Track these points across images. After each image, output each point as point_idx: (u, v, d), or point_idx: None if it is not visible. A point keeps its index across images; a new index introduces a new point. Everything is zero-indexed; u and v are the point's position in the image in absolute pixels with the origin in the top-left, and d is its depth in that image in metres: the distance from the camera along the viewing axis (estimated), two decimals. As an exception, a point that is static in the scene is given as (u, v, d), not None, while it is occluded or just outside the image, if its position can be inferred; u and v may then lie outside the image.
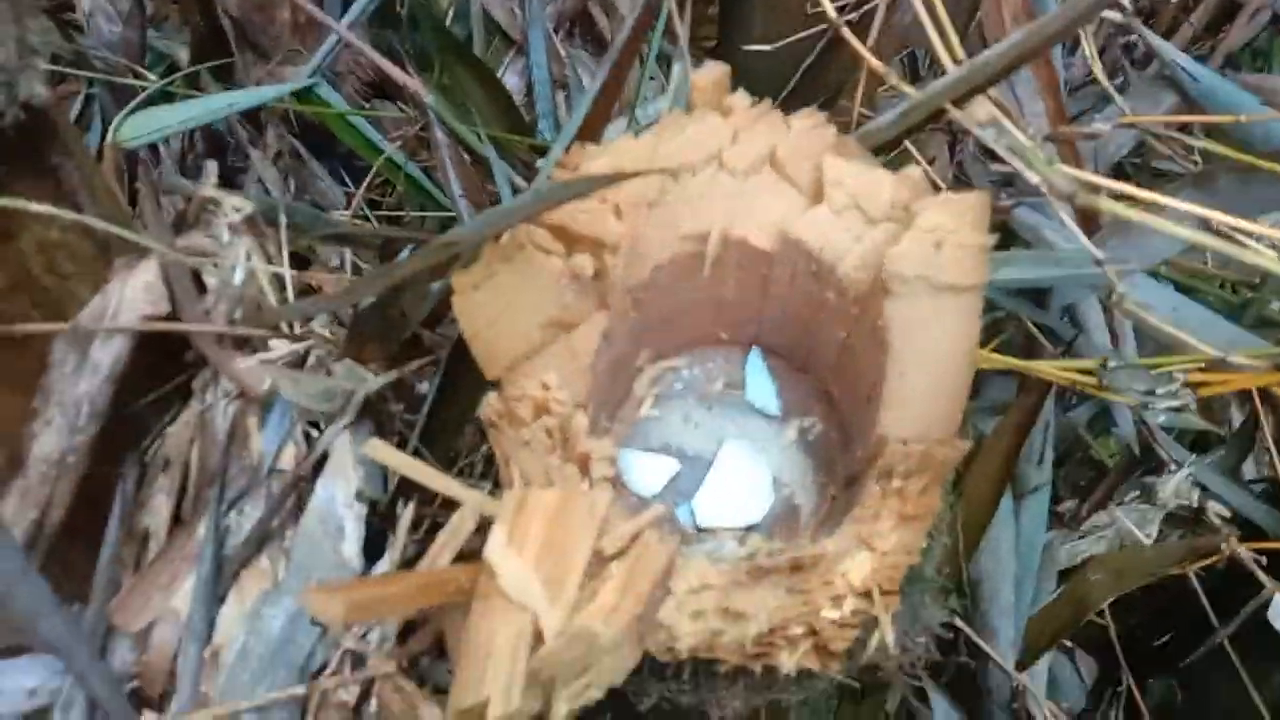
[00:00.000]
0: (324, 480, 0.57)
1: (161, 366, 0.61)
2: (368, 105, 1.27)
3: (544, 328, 0.47)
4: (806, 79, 0.96)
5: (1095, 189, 0.57)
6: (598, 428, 0.53)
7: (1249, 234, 0.51)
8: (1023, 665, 0.76)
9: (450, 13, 1.13)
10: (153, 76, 1.21)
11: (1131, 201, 0.54)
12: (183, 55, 1.26)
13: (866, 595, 0.46)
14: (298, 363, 0.63)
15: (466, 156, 0.96)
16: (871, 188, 0.45)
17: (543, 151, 0.96)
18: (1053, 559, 0.80)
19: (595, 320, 0.48)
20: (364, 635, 0.58)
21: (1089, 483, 0.94)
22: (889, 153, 0.52)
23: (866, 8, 0.99)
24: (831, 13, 0.66)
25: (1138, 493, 0.88)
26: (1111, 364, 0.54)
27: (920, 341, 0.44)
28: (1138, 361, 0.55)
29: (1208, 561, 0.79)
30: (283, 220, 0.64)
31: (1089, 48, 0.60)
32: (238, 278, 0.62)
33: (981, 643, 0.72)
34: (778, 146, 0.47)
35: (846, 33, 0.64)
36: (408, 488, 0.57)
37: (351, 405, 0.55)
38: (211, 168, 0.62)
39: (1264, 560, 0.83)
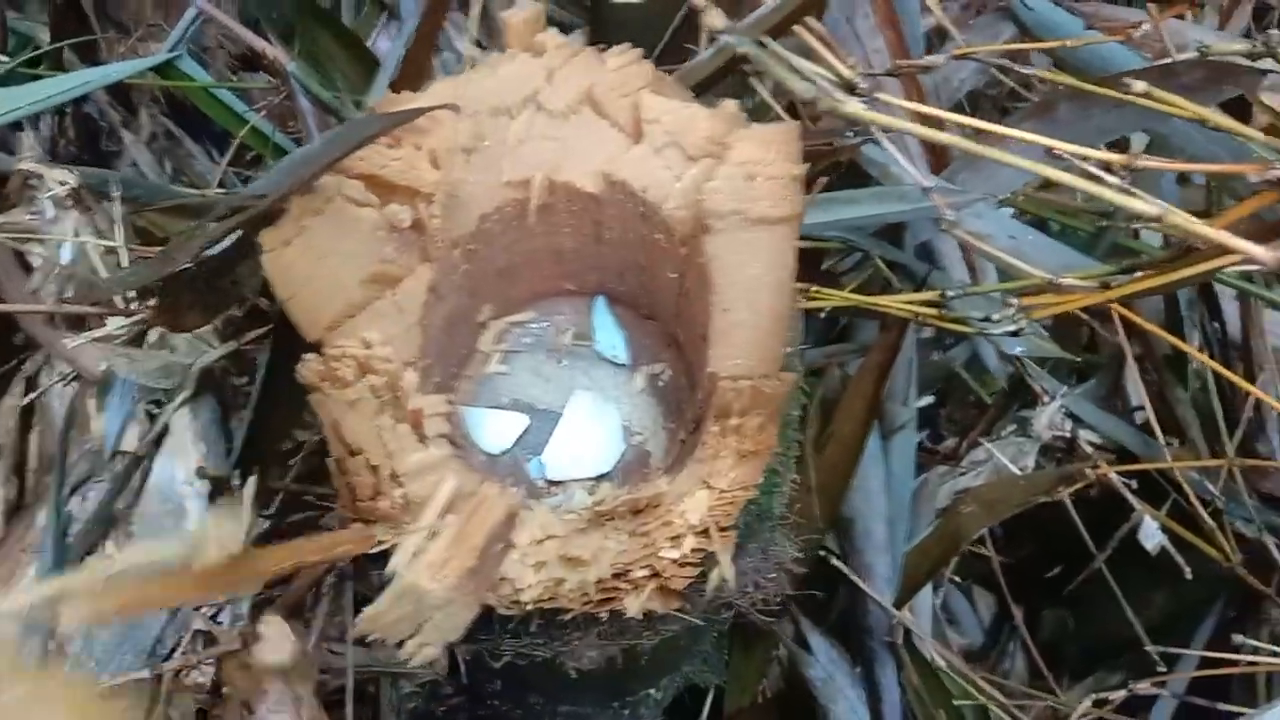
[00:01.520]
0: (162, 459, 0.55)
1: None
2: (236, 78, 1.24)
3: (365, 284, 0.45)
4: (684, 26, 0.95)
5: (937, 123, 0.57)
6: (440, 386, 0.52)
7: (1090, 161, 0.52)
8: (903, 602, 0.77)
9: (308, -20, 1.09)
10: (4, 58, 1.15)
11: (973, 133, 0.55)
12: (46, 36, 1.21)
13: (705, 533, 0.46)
14: (136, 339, 0.61)
15: (334, 123, 0.94)
16: (688, 123, 0.45)
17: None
18: (930, 495, 0.81)
19: (420, 274, 0.47)
20: (214, 616, 0.56)
21: (971, 420, 0.96)
22: (711, 89, 0.51)
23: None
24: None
25: (1015, 427, 0.90)
26: (950, 294, 0.55)
27: (739, 276, 0.44)
28: (972, 289, 0.56)
29: (1077, 487, 0.81)
30: (116, 193, 0.62)
31: (919, -21, 0.60)
32: (65, 255, 0.59)
33: (858, 580, 0.73)
34: (594, 85, 0.46)
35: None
36: (252, 462, 0.55)
37: (189, 379, 0.53)
38: (28, 140, 0.59)
39: (1134, 484, 0.85)
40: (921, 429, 0.94)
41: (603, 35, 1.14)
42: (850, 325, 0.82)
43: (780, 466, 0.54)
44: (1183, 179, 0.79)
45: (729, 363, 0.46)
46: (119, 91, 1.15)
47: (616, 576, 0.46)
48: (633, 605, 0.47)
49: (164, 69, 1.05)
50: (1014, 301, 0.51)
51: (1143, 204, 0.27)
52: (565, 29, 1.26)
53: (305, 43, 1.08)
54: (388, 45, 1.21)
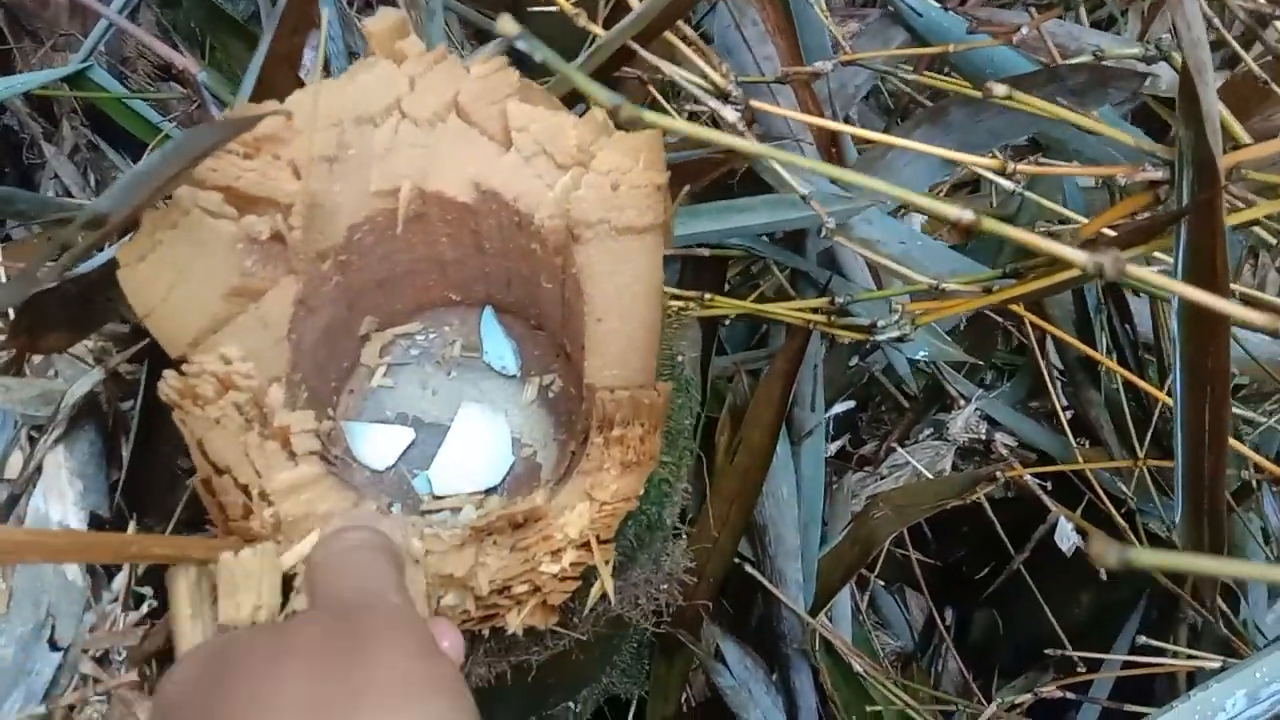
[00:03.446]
0: (38, 496, 0.53)
1: None
2: (155, 89, 1.21)
3: (226, 298, 0.44)
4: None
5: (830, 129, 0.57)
6: (317, 400, 0.50)
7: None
8: (819, 607, 0.76)
9: (221, -9, 1.08)
10: (-95, 70, 1.12)
11: (867, 142, 0.54)
12: (-43, 45, 1.18)
13: (586, 546, 0.45)
14: (15, 361, 0.59)
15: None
16: (556, 131, 0.44)
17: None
18: (845, 502, 0.81)
19: (285, 287, 0.45)
20: (102, 657, 0.54)
21: (890, 424, 0.96)
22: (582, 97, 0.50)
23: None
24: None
25: (931, 430, 0.90)
26: (840, 301, 0.55)
27: (609, 285, 0.43)
28: (862, 295, 0.55)
29: (989, 489, 0.81)
30: (-9, 206, 0.60)
31: (807, -16, 0.60)
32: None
33: (771, 587, 0.72)
34: (460, 93, 0.45)
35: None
36: (135, 498, 0.53)
37: (63, 411, 0.51)
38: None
39: (1049, 486, 0.86)
40: (842, 434, 0.94)
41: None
42: (766, 332, 0.82)
43: (671, 476, 0.54)
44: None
45: (605, 373, 0.46)
46: (40, 103, 1.13)
47: (497, 593, 0.45)
48: (513, 622, 0.46)
49: (76, 79, 1.03)
50: (899, 307, 0.51)
51: (956, 211, 0.26)
52: (488, 36, 1.26)
53: (218, 51, 1.07)
54: (309, 55, 1.20)
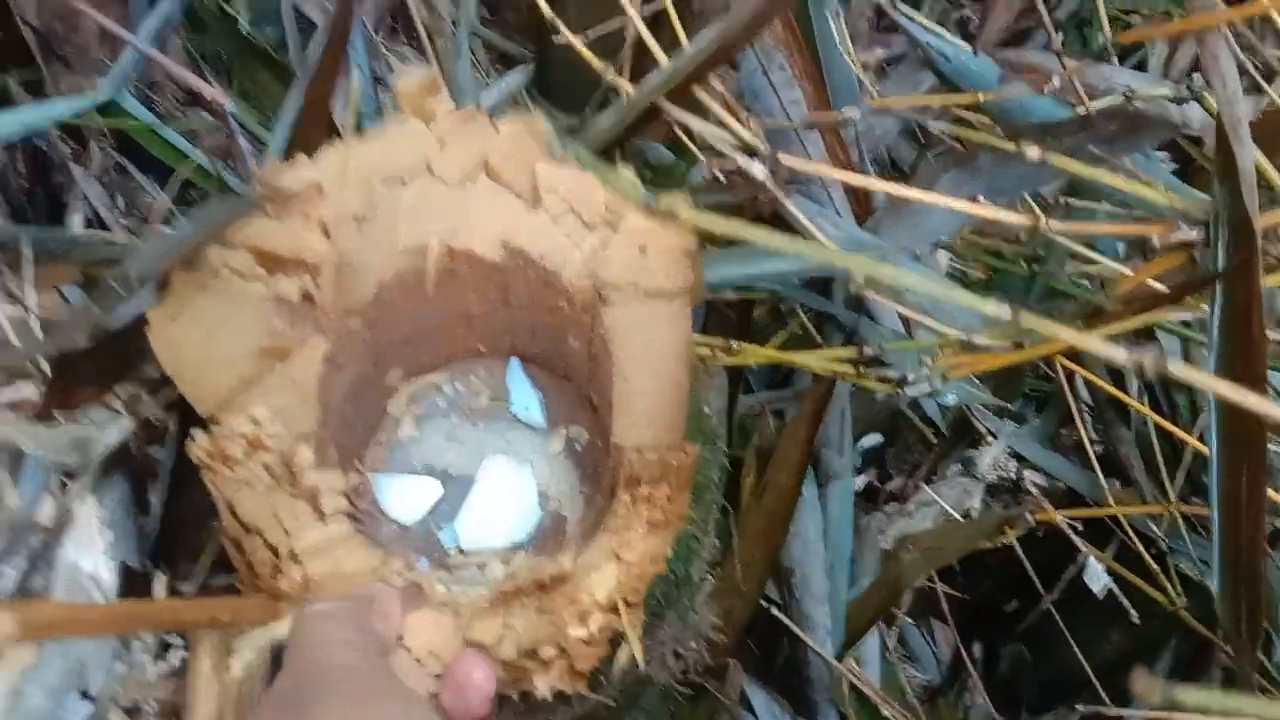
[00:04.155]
0: (68, 546, 0.53)
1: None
2: (184, 115, 1.22)
3: (255, 357, 0.44)
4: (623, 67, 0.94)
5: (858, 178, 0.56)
6: (345, 454, 0.50)
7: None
8: (845, 651, 0.76)
9: (248, 18, 1.08)
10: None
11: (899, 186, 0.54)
12: (-10, 71, 1.20)
13: (614, 609, 0.45)
14: (48, 406, 0.59)
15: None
16: (585, 192, 0.44)
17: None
18: (873, 541, 0.80)
19: (314, 346, 0.45)
20: (132, 709, 0.55)
21: (918, 459, 0.95)
22: (614, 152, 0.51)
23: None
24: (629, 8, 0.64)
25: (960, 467, 0.89)
26: (869, 353, 0.54)
27: (637, 347, 0.43)
28: (893, 344, 0.55)
29: (1020, 532, 0.80)
30: (26, 253, 0.60)
31: (838, 31, 0.59)
32: (-30, 321, 0.58)
33: (798, 631, 0.72)
34: (490, 153, 0.45)
35: (639, 24, 0.62)
36: (166, 549, 0.54)
37: (93, 460, 0.51)
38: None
39: (1079, 526, 0.85)
40: (868, 468, 0.93)
41: (547, 71, 1.14)
42: (792, 369, 0.81)
43: (698, 533, 0.53)
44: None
45: (634, 433, 0.45)
46: (69, 125, 1.14)
47: (525, 655, 0.45)
48: (541, 685, 0.45)
49: (107, 107, 1.04)
50: (928, 361, 0.50)
51: (993, 308, 0.26)
52: (514, 61, 1.26)
53: (244, 81, 1.07)
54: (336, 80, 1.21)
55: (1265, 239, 0.44)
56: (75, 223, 1.14)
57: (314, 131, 0.52)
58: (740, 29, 0.44)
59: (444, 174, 0.45)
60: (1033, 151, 0.43)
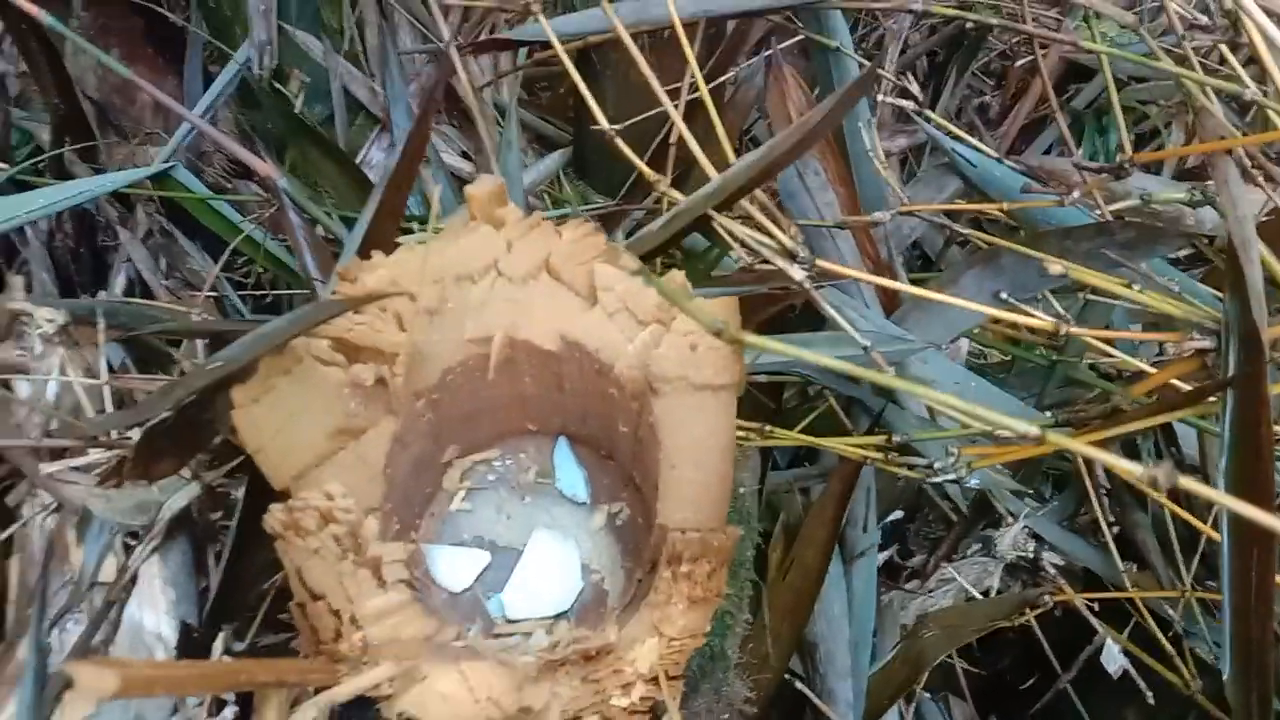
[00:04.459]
0: (133, 604, 0.56)
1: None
2: (231, 185, 1.27)
3: (330, 437, 0.48)
4: (658, 155, 0.99)
5: (884, 271, 0.60)
6: (404, 525, 0.54)
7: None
8: (867, 724, 0.78)
9: (301, 94, 1.14)
10: (3, 165, 1.19)
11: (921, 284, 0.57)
12: (47, 135, 1.26)
13: (655, 681, 0.48)
14: (115, 470, 0.63)
15: (321, 236, 0.97)
16: (638, 292, 0.48)
17: (406, 230, 0.97)
18: (894, 617, 0.82)
19: (384, 426, 0.49)
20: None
21: (939, 535, 0.98)
22: (660, 257, 0.54)
23: (714, 83, 1.03)
24: (665, 99, 0.68)
25: (979, 546, 0.91)
26: (896, 440, 0.57)
27: (684, 437, 0.46)
28: (919, 435, 0.58)
29: (1038, 611, 0.82)
30: (101, 324, 0.64)
31: (870, 141, 0.64)
32: (51, 391, 0.62)
33: (822, 705, 0.74)
34: (551, 254, 0.49)
35: (678, 120, 0.66)
36: (224, 610, 0.57)
37: (158, 524, 0.55)
38: (17, 282, 0.62)
39: (1096, 607, 0.87)
40: (890, 545, 0.96)
41: (583, 154, 1.19)
42: (813, 451, 0.84)
43: (733, 608, 0.56)
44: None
45: (678, 515, 0.49)
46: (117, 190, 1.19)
47: (569, 721, 0.48)
48: (584, 751, 0.48)
49: (160, 178, 1.09)
50: (955, 451, 0.53)
51: (1023, 425, 0.29)
52: (549, 141, 1.31)
53: (295, 156, 1.13)
54: (380, 156, 1.26)
55: (1275, 349, 0.47)
56: (119, 284, 1.19)
57: (388, 228, 0.56)
58: (785, 153, 0.48)
59: (510, 273, 0.49)
60: (1055, 267, 0.46)
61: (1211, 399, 0.49)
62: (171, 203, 1.25)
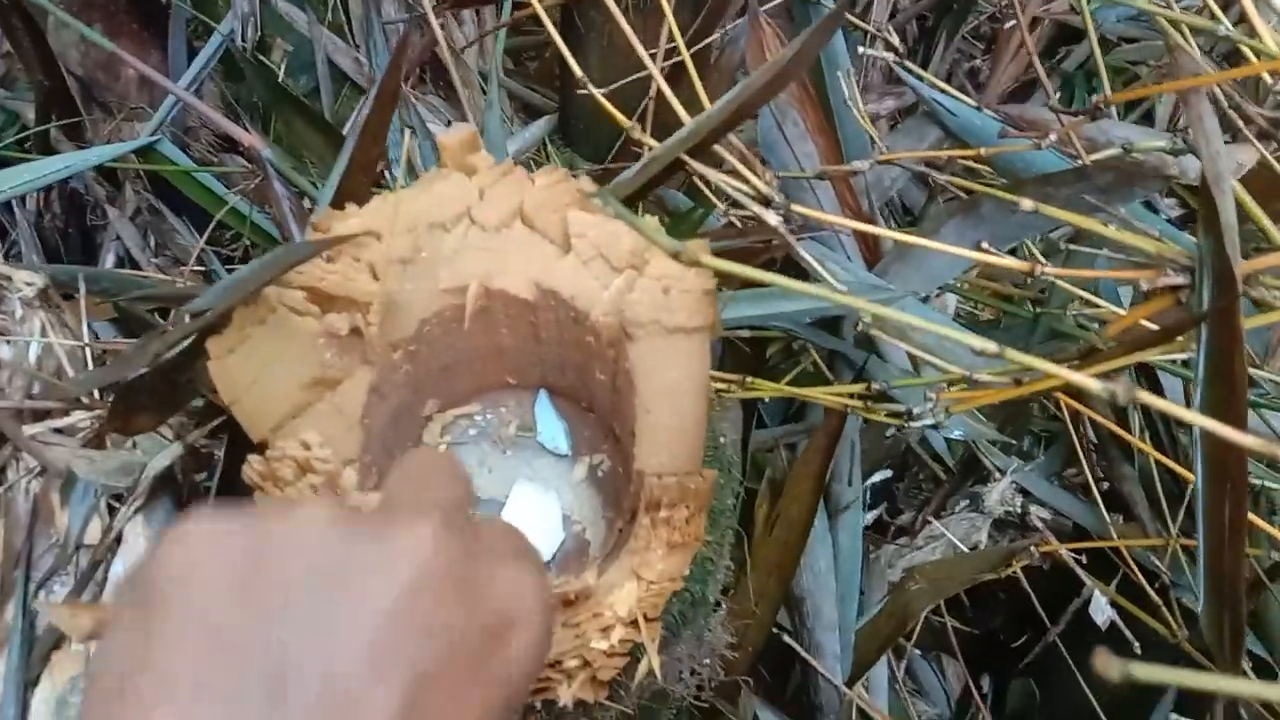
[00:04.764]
0: (118, 564, 0.57)
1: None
2: (218, 158, 1.27)
3: (306, 387, 0.48)
4: (642, 119, 0.98)
5: (867, 221, 0.60)
6: (382, 479, 0.54)
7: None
8: (855, 678, 0.78)
9: (284, 65, 1.13)
10: (-11, 142, 1.19)
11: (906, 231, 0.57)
12: (32, 114, 1.25)
13: (634, 624, 0.48)
14: (99, 434, 0.63)
15: (307, 207, 0.97)
16: (612, 238, 0.48)
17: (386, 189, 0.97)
18: (882, 573, 0.83)
19: (360, 376, 0.49)
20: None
21: (927, 493, 0.98)
22: (638, 202, 0.54)
23: (700, 45, 1.02)
24: (645, 57, 0.68)
25: (968, 502, 0.92)
26: (875, 387, 0.58)
27: (659, 381, 0.47)
28: (898, 382, 0.58)
29: (1026, 563, 0.83)
30: (82, 290, 0.64)
31: (848, 89, 0.63)
32: (33, 353, 0.62)
33: (809, 657, 0.74)
34: (524, 201, 0.49)
35: (656, 74, 0.66)
36: None
37: (142, 484, 0.55)
38: (-4, 247, 0.62)
39: (1084, 559, 0.87)
40: (878, 503, 0.96)
41: (569, 120, 1.18)
42: (804, 405, 0.84)
43: (714, 555, 0.56)
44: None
45: (654, 460, 0.49)
46: (105, 168, 1.18)
47: (549, 666, 0.48)
48: (565, 694, 0.48)
49: (146, 152, 1.09)
50: (933, 396, 0.53)
51: (980, 343, 0.29)
52: (535, 109, 1.30)
53: (280, 128, 1.12)
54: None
55: (1246, 285, 0.47)
56: (108, 262, 1.18)
57: (361, 181, 0.56)
58: (757, 92, 0.48)
59: (483, 221, 0.49)
60: (1026, 203, 0.46)
61: (1186, 335, 0.49)
62: (158, 178, 1.25)
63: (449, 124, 1.23)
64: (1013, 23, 1.25)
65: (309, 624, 0.27)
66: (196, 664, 0.26)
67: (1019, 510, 0.89)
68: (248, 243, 1.15)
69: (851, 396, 0.58)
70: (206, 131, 1.33)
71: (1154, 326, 0.55)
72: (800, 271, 0.68)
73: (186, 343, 0.51)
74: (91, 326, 0.82)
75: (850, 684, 0.76)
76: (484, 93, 1.12)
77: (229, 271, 1.15)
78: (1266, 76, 0.58)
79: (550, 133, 1.16)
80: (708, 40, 1.03)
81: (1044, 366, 0.28)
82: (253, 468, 0.47)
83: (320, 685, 0.26)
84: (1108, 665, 0.21)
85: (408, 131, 0.66)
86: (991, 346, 0.29)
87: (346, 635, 0.27)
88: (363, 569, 0.29)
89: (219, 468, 0.56)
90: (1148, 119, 1.41)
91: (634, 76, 0.93)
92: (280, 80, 1.12)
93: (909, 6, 1.42)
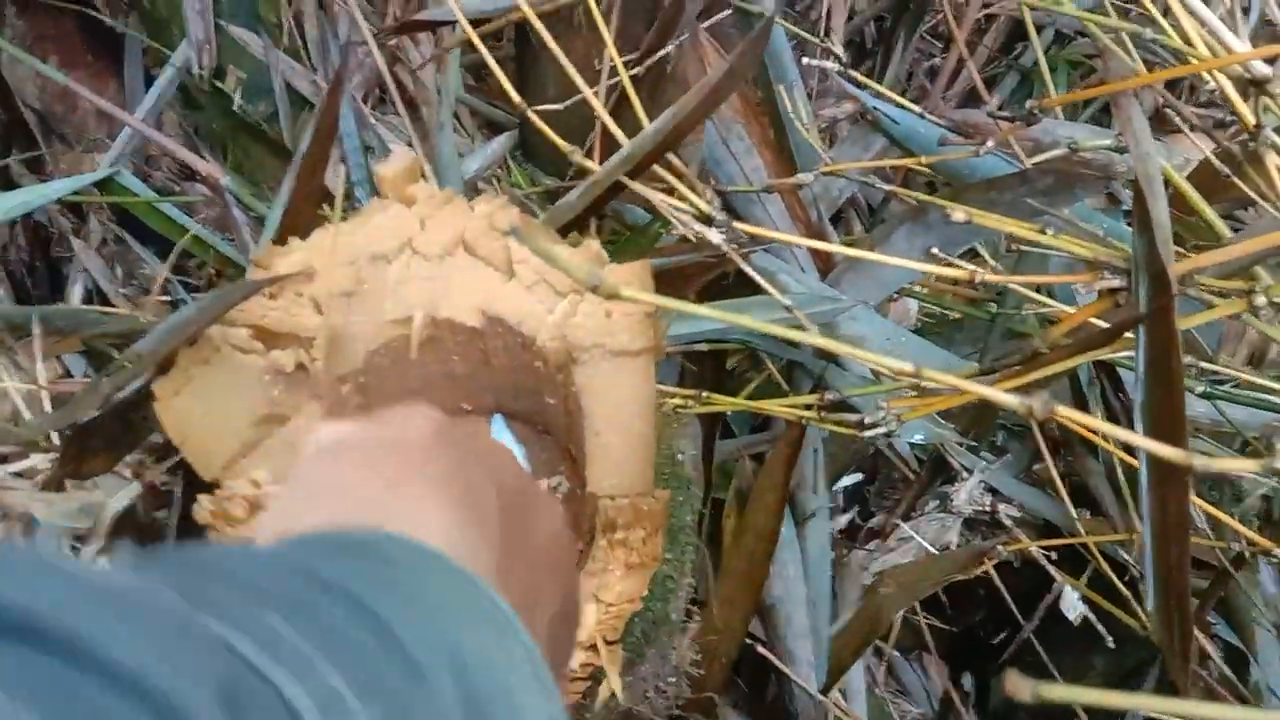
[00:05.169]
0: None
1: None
2: (179, 187, 1.26)
3: (255, 425, 0.48)
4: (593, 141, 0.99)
5: (817, 234, 0.60)
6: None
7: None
8: (830, 685, 0.78)
9: (239, 92, 1.13)
10: (-62, 179, 1.18)
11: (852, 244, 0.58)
12: (-8, 149, 1.24)
13: (593, 648, 0.48)
14: (58, 476, 0.62)
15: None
16: (554, 262, 0.48)
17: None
18: (854, 578, 0.83)
19: (309, 411, 0.49)
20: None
21: (898, 495, 0.98)
22: (580, 227, 0.54)
23: (649, 63, 1.03)
24: (580, 81, 0.68)
25: (937, 503, 0.92)
26: (829, 397, 0.58)
27: (606, 403, 0.47)
28: (851, 390, 0.59)
29: (995, 562, 0.83)
30: (36, 331, 0.64)
31: (791, 103, 0.64)
32: (-14, 395, 0.61)
33: (783, 666, 0.74)
34: (466, 229, 0.49)
35: (591, 97, 0.66)
36: None
37: (102, 524, 0.55)
38: (-54, 288, 0.61)
39: (1054, 556, 0.88)
40: (850, 507, 0.97)
41: (529, 136, 1.19)
42: (764, 418, 0.85)
43: (674, 572, 0.56)
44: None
45: (606, 482, 0.49)
46: (66, 199, 1.18)
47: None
48: (526, 721, 0.48)
49: (107, 183, 1.08)
50: (884, 405, 0.54)
51: (895, 363, 0.30)
52: (499, 125, 1.30)
53: (239, 154, 1.12)
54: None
55: (1181, 285, 0.48)
56: (76, 294, 1.18)
57: (307, 209, 0.56)
58: (694, 109, 0.48)
59: (425, 250, 0.49)
60: (958, 214, 0.47)
61: (1127, 336, 0.49)
62: (124, 210, 1.24)
63: (409, 144, 1.23)
64: (968, 20, 1.26)
65: None
66: None
67: (988, 509, 0.90)
68: (212, 270, 1.14)
69: (807, 408, 0.58)
70: (168, 160, 1.32)
71: (1104, 325, 0.56)
72: (754, 284, 0.69)
73: (137, 383, 0.51)
74: (62, 359, 0.82)
75: (826, 690, 0.76)
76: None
77: (196, 300, 1.15)
78: (1210, 76, 0.59)
79: (511, 149, 1.16)
80: (663, 51, 1.03)
81: (958, 383, 0.29)
82: (204, 507, 0.47)
83: None
84: (1018, 687, 0.21)
85: (349, 163, 0.66)
86: (908, 366, 0.29)
87: None
88: None
89: (177, 505, 0.55)
90: (1105, 112, 1.42)
91: (589, 92, 0.93)
92: (237, 107, 1.12)
93: (866, 8, 1.43)
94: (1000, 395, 0.29)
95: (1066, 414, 0.29)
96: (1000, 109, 0.61)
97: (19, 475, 0.63)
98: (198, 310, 0.41)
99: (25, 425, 0.59)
